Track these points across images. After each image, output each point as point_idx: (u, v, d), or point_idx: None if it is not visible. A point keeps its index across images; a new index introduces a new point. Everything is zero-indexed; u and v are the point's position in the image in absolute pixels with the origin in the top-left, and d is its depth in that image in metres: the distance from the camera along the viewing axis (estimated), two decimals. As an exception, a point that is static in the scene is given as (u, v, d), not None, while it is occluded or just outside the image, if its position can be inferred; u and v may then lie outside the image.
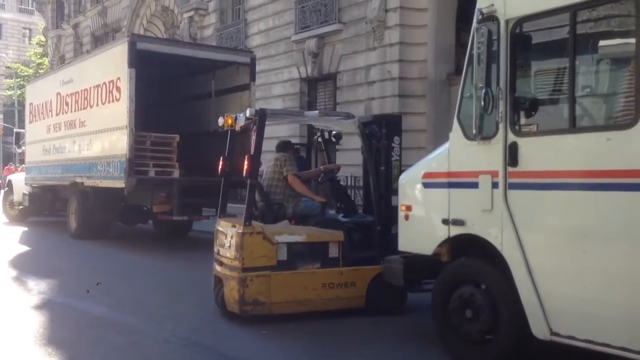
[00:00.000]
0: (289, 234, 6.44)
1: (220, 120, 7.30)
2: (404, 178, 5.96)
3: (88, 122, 13.46)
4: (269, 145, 20.16)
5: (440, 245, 5.37)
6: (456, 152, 5.22)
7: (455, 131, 5.22)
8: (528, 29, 4.77)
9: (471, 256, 5.24)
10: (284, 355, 5.44)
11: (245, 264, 6.23)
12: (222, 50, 14.72)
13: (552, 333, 4.46)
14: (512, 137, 4.73)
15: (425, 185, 5.58)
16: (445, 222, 5.26)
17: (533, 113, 4.76)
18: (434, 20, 16.08)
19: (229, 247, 6.48)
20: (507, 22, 4.75)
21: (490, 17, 4.79)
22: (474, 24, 4.85)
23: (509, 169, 4.75)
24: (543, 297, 4.51)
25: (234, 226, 6.50)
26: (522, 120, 4.79)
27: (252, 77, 13.02)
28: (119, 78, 11.94)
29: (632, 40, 4.06)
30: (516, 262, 4.66)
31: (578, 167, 4.36)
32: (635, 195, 3.98)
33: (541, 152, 4.59)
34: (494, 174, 4.84)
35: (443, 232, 5.29)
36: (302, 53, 19.36)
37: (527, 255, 4.61)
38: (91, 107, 13.30)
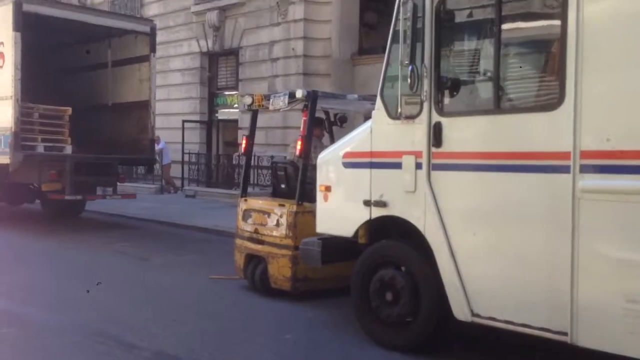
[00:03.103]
0: None
1: (249, 99, 7.22)
2: (322, 158, 5.78)
3: (-34, 92, 12.24)
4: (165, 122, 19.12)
5: (359, 227, 5.26)
6: (379, 131, 5.09)
7: (379, 110, 5.09)
8: (454, 7, 4.69)
9: (390, 238, 5.18)
10: (185, 342, 5.09)
11: (298, 242, 6.25)
12: (119, 17, 13.83)
13: (473, 314, 4.46)
14: (436, 117, 4.65)
15: (346, 165, 5.43)
16: (367, 203, 5.14)
17: (458, 93, 4.70)
18: (339, -2, 16.01)
19: (277, 225, 6.59)
20: (432, -2, 4.64)
21: (415, -7, 4.66)
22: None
23: (433, 149, 4.68)
24: (465, 279, 4.50)
25: (282, 205, 6.61)
26: (447, 100, 4.73)
27: (153, 48, 12.38)
28: (2, 43, 10.90)
29: (557, 22, 4.05)
30: (439, 244, 4.62)
31: (502, 149, 4.34)
32: (558, 177, 4.00)
33: (466, 133, 4.55)
34: (417, 154, 4.76)
35: (364, 214, 5.17)
36: (202, 25, 18.73)
37: (450, 237, 4.57)
38: (-31, 74, 12.10)
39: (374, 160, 5.12)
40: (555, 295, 4.01)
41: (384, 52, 16.94)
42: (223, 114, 19.14)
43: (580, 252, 3.88)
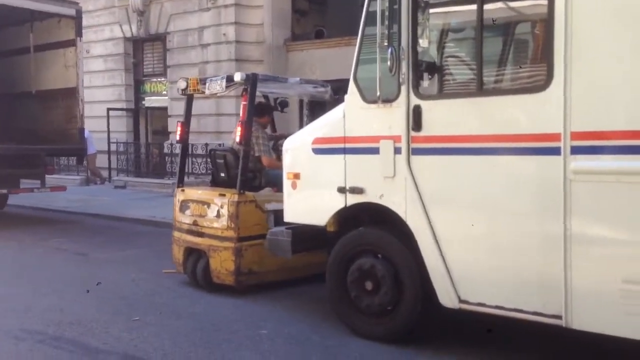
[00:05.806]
0: (276, 202, 6.01)
1: (183, 84, 6.77)
2: (289, 144, 5.55)
3: None
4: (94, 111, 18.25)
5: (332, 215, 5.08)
6: (353, 116, 4.90)
7: (352, 94, 4.89)
8: (432, -14, 4.55)
9: (362, 225, 5.02)
10: (154, 345, 4.75)
11: (241, 233, 6.03)
12: (40, -1, 12.90)
13: (461, 301, 4.38)
14: (415, 100, 4.51)
15: (317, 152, 5.21)
16: (342, 190, 4.95)
17: (438, 75, 4.58)
18: (270, -17, 15.72)
19: (218, 216, 6.22)
20: (410, -24, 4.47)
21: (391, -29, 4.49)
22: (374, -22, 4.52)
23: (413, 133, 4.53)
24: (451, 265, 4.40)
25: (222, 195, 6.24)
26: (426, 83, 4.59)
27: (79, 33, 11.64)
28: None
29: (544, 2, 3.99)
30: (422, 231, 4.50)
31: (486, 132, 4.24)
32: (547, 159, 3.96)
33: (447, 116, 4.42)
34: (396, 138, 4.60)
35: (339, 201, 4.99)
36: (125, 10, 17.94)
37: (433, 222, 4.46)
38: None
39: (348, 145, 4.94)
40: (548, 278, 3.96)
41: (316, 38, 16.98)
42: (151, 101, 18.43)
43: (573, 234, 3.85)
